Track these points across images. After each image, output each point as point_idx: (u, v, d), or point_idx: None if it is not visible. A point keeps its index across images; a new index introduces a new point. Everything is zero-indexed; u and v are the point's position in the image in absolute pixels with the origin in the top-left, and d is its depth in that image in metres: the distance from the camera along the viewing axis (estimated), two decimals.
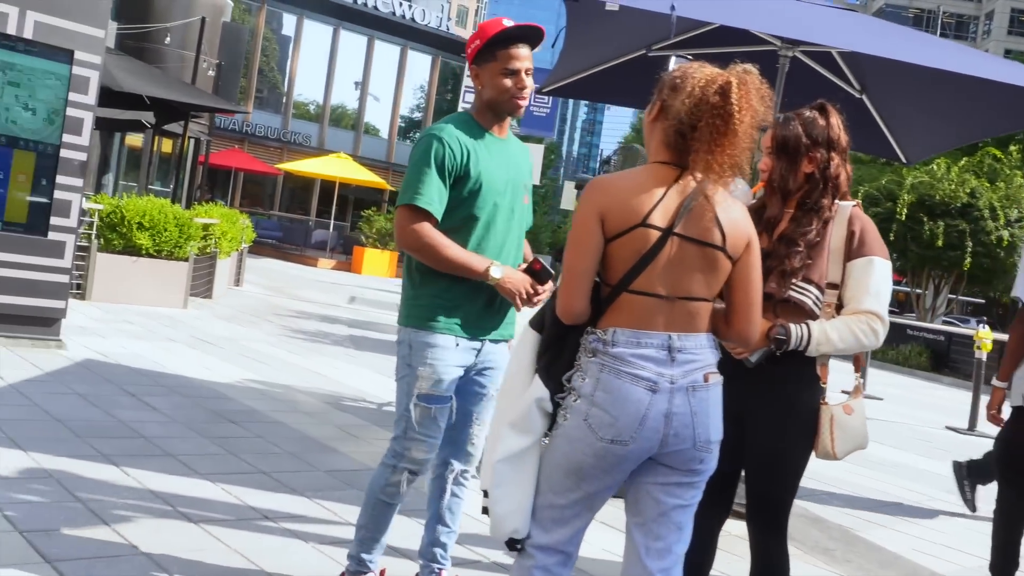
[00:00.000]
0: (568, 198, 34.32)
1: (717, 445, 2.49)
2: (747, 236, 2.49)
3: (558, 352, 2.50)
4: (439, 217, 3.08)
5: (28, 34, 6.83)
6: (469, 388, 3.25)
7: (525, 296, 3.07)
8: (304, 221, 36.51)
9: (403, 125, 43.10)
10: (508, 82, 3.11)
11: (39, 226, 7.13)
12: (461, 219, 3.13)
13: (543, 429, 2.50)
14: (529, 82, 3.15)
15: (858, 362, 3.23)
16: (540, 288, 3.09)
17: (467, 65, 3.26)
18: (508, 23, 3.14)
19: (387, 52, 41.03)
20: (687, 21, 5.86)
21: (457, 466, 3.34)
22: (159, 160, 21.49)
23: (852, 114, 6.89)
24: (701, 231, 2.42)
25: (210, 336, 9.50)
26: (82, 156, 7.19)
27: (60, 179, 7.10)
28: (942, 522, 6.31)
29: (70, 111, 7.06)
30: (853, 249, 2.99)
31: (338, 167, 27.41)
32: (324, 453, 5.54)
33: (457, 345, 3.13)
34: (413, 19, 40.69)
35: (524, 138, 21.65)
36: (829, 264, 2.97)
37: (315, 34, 39.11)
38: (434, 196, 3.05)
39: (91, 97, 7.15)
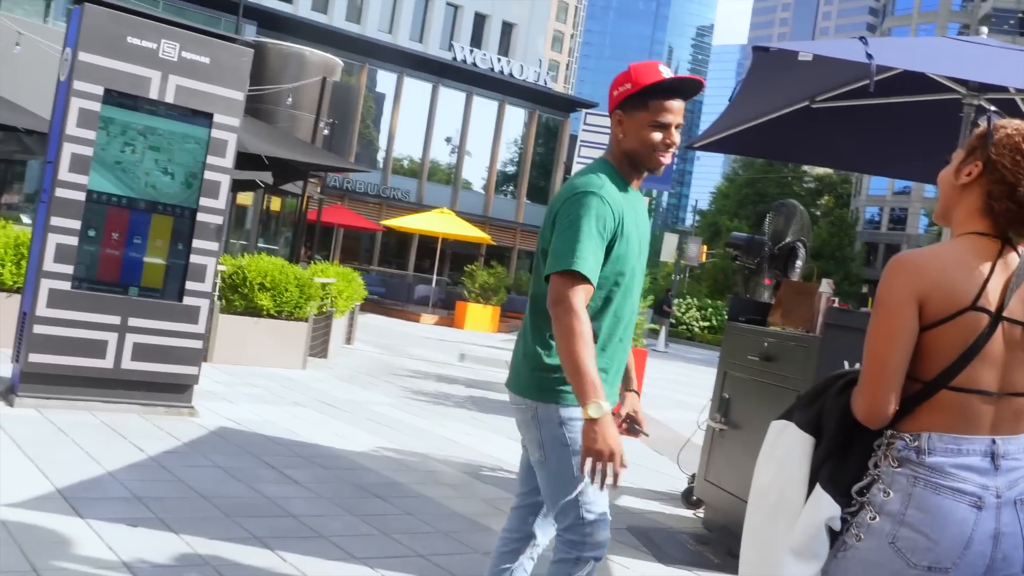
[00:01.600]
0: (668, 249, 33.86)
1: None
2: None
3: (843, 458, 2.12)
4: (595, 284, 2.75)
5: (170, 99, 6.78)
6: None
7: (605, 471, 2.55)
8: (404, 276, 36.72)
9: (498, 179, 43.31)
10: (657, 136, 2.81)
11: (174, 291, 7.03)
12: (607, 284, 2.84)
13: (827, 551, 2.12)
14: (678, 138, 2.84)
15: None
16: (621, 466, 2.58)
17: (608, 109, 2.92)
18: (666, 72, 2.82)
19: (485, 107, 41.42)
20: (854, 70, 5.51)
21: (542, 542, 3.08)
22: (266, 217, 21.78)
23: None
24: None
25: (334, 400, 9.32)
26: (218, 220, 7.09)
27: (196, 243, 7.00)
28: None
29: (208, 174, 6.98)
30: None
31: (441, 222, 27.45)
32: (477, 532, 5.22)
33: None
34: (511, 75, 41.06)
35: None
36: None
37: (415, 91, 39.68)
38: (592, 261, 2.72)
39: (228, 160, 7.06)
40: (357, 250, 39.58)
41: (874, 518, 2.04)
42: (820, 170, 69.97)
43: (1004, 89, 5.58)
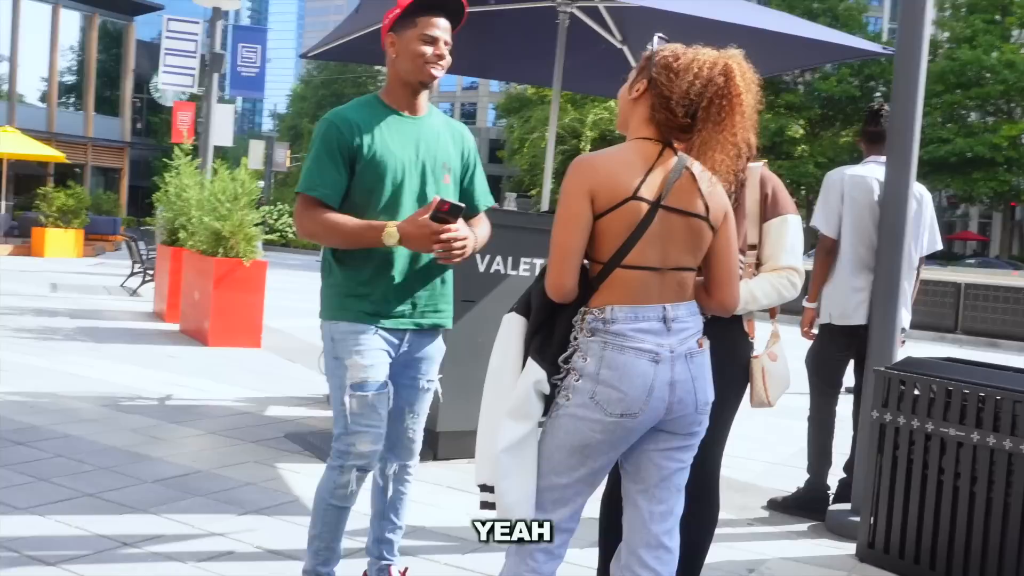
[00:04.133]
0: (255, 156, 33.23)
1: (710, 405, 2.58)
2: (725, 207, 2.56)
3: (549, 333, 2.50)
4: (335, 204, 3.00)
5: None
6: (401, 380, 3.15)
7: (434, 244, 2.88)
8: None
9: (60, 91, 39.77)
10: (426, 49, 3.00)
11: None
12: (360, 202, 3.02)
13: (540, 412, 2.49)
14: (447, 53, 3.04)
15: (773, 311, 3.42)
16: (448, 228, 2.88)
17: (382, 41, 3.07)
18: None
19: (35, 11, 37.53)
20: None
21: (397, 462, 3.25)
22: None
23: (613, 64, 7.19)
24: (687, 202, 2.48)
25: None
26: None
27: None
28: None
29: None
30: (768, 209, 3.15)
31: (4, 142, 24.80)
32: (140, 462, 5.12)
33: (376, 332, 3.03)
34: None
35: (228, 101, 20.64)
36: (748, 226, 3.12)
37: None
38: (327, 182, 2.99)
39: None
40: None
41: (578, 380, 2.43)
42: None
43: None
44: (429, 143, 3.11)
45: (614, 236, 2.43)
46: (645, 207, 2.42)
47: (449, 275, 3.22)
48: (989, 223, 59.32)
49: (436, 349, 3.22)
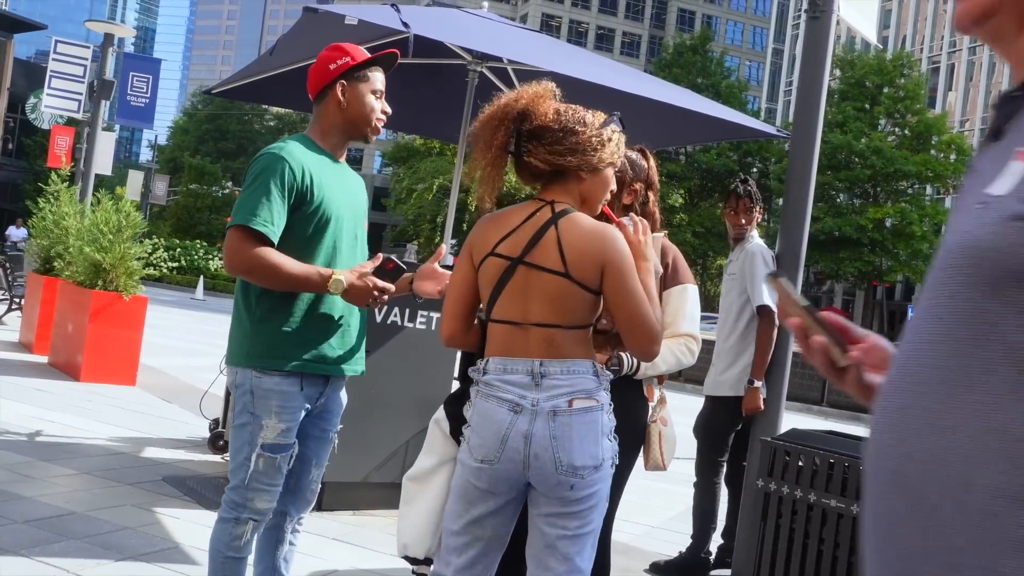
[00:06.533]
0: (133, 188, 32.36)
1: (588, 472, 2.47)
2: (597, 262, 2.48)
3: (465, 387, 2.67)
4: (275, 241, 2.85)
5: None
6: (311, 431, 3.09)
7: (373, 299, 2.93)
8: None
9: None
10: (377, 103, 3.05)
11: None
12: (304, 245, 2.94)
13: (443, 452, 2.67)
14: (388, 107, 3.11)
15: (661, 377, 3.50)
16: (389, 288, 2.95)
17: (322, 83, 3.01)
18: (363, 49, 3.08)
19: None
20: (375, 30, 5.89)
21: (296, 513, 3.18)
22: None
23: None
24: (545, 259, 2.49)
25: None
26: None
27: None
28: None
29: None
30: (668, 278, 3.24)
31: None
32: (9, 501, 4.89)
33: (302, 389, 2.94)
34: None
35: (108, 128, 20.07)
36: None
37: None
38: (273, 219, 2.83)
39: None
40: None
41: (466, 426, 2.56)
42: (279, 109, 70.77)
43: (499, 59, 6.32)
44: (354, 190, 3.13)
45: (485, 290, 2.57)
46: (504, 263, 2.51)
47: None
48: (852, 300, 61.89)
49: (343, 399, 3.19)
